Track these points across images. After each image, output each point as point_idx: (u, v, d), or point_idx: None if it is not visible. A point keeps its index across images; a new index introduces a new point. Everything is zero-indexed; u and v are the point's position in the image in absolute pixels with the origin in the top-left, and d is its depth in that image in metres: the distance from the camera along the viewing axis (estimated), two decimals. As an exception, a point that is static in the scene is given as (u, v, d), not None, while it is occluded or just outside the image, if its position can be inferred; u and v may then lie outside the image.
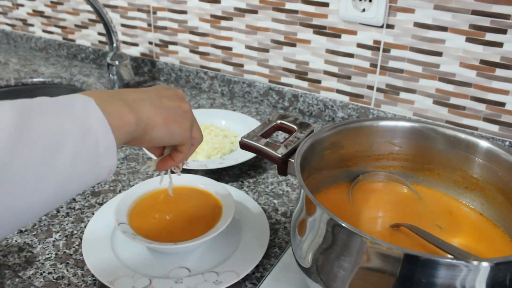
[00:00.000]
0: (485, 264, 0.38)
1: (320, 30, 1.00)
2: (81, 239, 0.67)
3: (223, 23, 1.13)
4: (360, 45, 0.97)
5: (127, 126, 0.42)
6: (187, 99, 0.53)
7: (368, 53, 0.97)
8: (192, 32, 1.19)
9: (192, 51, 1.21)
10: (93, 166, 0.39)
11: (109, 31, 1.14)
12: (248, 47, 1.12)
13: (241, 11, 1.09)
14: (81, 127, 0.37)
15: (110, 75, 1.19)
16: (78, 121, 0.37)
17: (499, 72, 0.85)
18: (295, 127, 0.59)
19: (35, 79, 1.31)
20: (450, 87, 0.91)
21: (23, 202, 0.34)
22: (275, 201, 0.77)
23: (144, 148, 0.80)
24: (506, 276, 0.40)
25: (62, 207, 0.74)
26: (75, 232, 0.69)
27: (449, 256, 0.43)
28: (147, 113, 0.45)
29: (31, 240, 0.67)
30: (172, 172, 0.58)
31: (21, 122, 0.33)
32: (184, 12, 1.17)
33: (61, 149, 0.35)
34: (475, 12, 0.83)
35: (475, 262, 0.38)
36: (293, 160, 0.53)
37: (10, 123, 0.33)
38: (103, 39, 1.36)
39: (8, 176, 0.32)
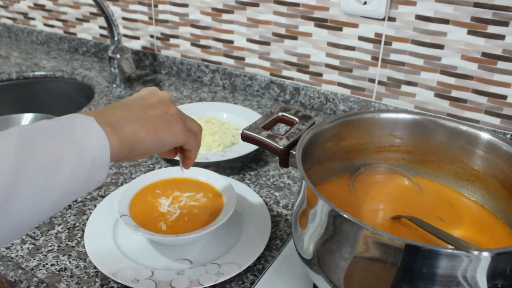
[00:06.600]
0: (485, 254, 0.38)
1: (321, 23, 1.00)
2: (83, 231, 0.68)
3: (224, 16, 1.12)
4: (361, 38, 0.97)
5: (111, 147, 0.44)
6: (174, 101, 0.54)
7: (369, 46, 0.97)
8: (193, 25, 1.18)
9: (193, 44, 1.21)
10: (87, 181, 0.43)
11: (110, 25, 1.14)
12: (250, 40, 1.12)
13: (242, 4, 1.09)
14: (80, 150, 0.41)
15: (112, 68, 1.18)
16: (78, 143, 0.41)
17: (500, 64, 0.85)
18: (296, 119, 0.59)
19: (36, 73, 1.31)
20: (451, 80, 0.91)
21: (28, 214, 0.40)
22: (277, 193, 0.77)
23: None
24: (506, 267, 0.40)
25: (64, 200, 0.74)
26: (77, 224, 0.69)
27: (450, 246, 0.43)
28: (131, 130, 0.46)
29: (34, 233, 0.68)
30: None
31: (22, 151, 0.39)
32: (185, 5, 1.17)
33: (59, 171, 0.40)
34: (477, 5, 0.83)
35: (475, 252, 0.38)
36: (294, 152, 0.53)
37: (13, 153, 0.38)
38: (104, 32, 1.36)
39: (14, 194, 0.38)
